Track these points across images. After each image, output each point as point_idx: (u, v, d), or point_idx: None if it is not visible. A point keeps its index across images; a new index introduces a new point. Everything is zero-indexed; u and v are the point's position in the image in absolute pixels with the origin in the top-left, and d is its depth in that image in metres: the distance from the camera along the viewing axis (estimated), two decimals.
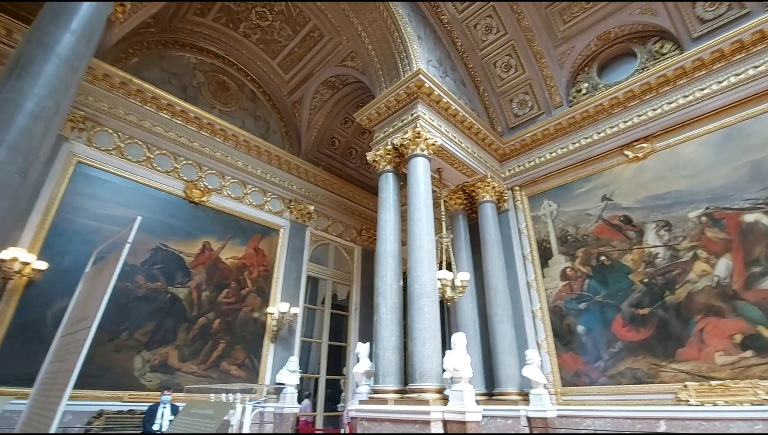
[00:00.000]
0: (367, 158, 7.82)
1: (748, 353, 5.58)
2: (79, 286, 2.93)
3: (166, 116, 8.34)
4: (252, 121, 10.33)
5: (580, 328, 7.23)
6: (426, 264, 6.20)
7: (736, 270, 5.95)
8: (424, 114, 7.39)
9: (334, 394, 10.62)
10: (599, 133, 7.97)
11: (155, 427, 5.66)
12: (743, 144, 6.36)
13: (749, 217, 6.03)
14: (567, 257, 7.81)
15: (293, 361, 8.20)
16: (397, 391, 5.70)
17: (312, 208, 10.39)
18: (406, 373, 5.92)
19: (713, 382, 5.73)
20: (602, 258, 7.35)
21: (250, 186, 9.51)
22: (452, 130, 8.06)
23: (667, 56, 7.63)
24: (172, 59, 9.18)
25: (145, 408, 6.04)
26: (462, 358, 5.30)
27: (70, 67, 3.72)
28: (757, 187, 6.06)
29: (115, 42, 7.84)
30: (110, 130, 7.66)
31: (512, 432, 6.57)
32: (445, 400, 5.26)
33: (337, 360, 10.57)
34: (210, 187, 8.74)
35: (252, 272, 8.85)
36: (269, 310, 8.75)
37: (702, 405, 5.69)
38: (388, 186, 7.30)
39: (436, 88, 7.45)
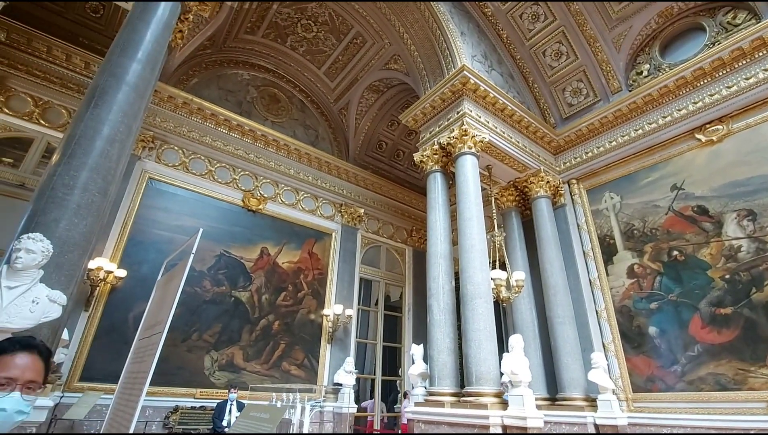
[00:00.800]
0: (414, 159, 7.81)
1: None
2: (153, 293, 3.20)
3: (224, 131, 8.89)
4: (302, 130, 10.71)
5: (652, 330, 6.68)
6: (478, 264, 6.06)
7: None
8: (471, 111, 7.23)
9: (391, 395, 10.69)
10: (665, 117, 7.33)
11: (224, 423, 6.04)
12: None
13: None
14: (634, 253, 7.25)
15: (350, 362, 8.38)
16: (453, 394, 5.62)
17: (362, 211, 10.56)
18: (462, 376, 5.82)
19: None
20: (675, 253, 6.74)
21: (303, 192, 9.86)
22: (501, 125, 7.82)
23: (741, 27, 6.86)
24: (227, 77, 9.77)
25: (215, 405, 6.47)
26: (520, 361, 5.11)
27: (138, 93, 4.09)
28: None
29: (176, 66, 8.51)
30: (176, 147, 8.31)
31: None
32: (504, 404, 5.10)
33: (393, 361, 10.63)
34: (265, 195, 9.19)
35: (307, 275, 9.17)
36: (325, 311, 9.01)
37: None
38: (436, 186, 7.24)
39: (481, 84, 7.27)
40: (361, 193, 10.86)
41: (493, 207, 7.69)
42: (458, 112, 7.23)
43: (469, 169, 6.79)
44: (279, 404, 4.55)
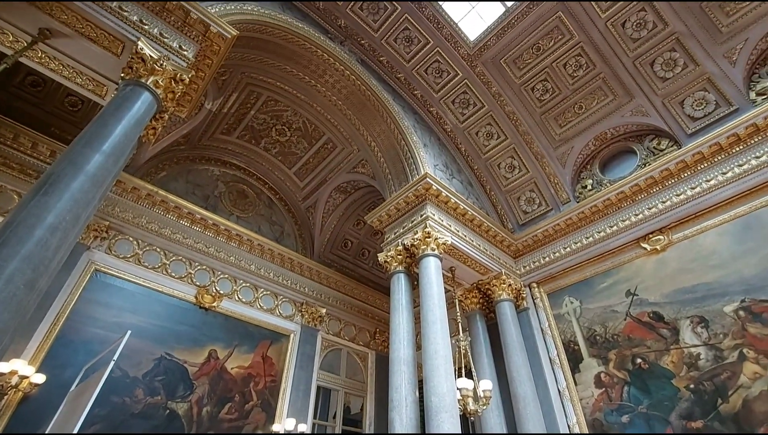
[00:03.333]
0: (379, 259, 7.80)
1: None
2: (61, 408, 2.70)
3: (185, 224, 8.70)
4: (267, 226, 10.68)
5: None
6: (443, 371, 5.70)
7: None
8: (433, 214, 7.53)
9: None
10: (611, 226, 7.90)
11: None
12: (764, 232, 6.15)
13: None
14: (599, 361, 7.13)
15: None
16: None
17: (324, 310, 10.11)
18: None
19: None
20: (638, 360, 6.68)
21: (262, 289, 9.43)
22: (462, 228, 8.12)
23: (665, 152, 7.88)
24: (197, 172, 9.92)
25: None
26: None
27: (95, 183, 3.97)
28: None
29: (147, 159, 8.61)
30: (131, 238, 7.96)
31: None
32: None
33: None
34: (222, 291, 8.69)
35: (258, 383, 8.28)
36: (275, 427, 7.95)
37: None
38: (400, 287, 7.13)
39: (443, 190, 7.70)
40: (323, 291, 10.52)
41: (457, 309, 7.55)
42: (422, 215, 7.49)
43: (432, 271, 6.80)
44: None
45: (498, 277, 8.40)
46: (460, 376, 6.22)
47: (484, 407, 6.22)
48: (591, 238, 8.11)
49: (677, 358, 6.27)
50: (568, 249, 8.36)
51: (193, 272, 8.49)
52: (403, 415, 5.66)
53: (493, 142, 9.46)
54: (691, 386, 5.99)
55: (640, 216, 7.56)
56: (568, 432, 6.91)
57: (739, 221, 6.49)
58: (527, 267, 8.93)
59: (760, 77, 7.08)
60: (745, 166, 6.61)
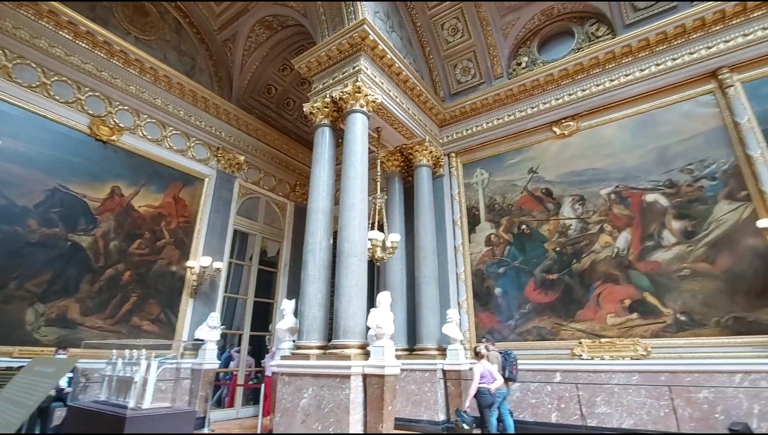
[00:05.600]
0: (304, 109, 7.40)
1: (634, 315, 6.38)
2: None
3: (67, 36, 7.11)
4: (176, 56, 9.22)
5: (498, 291, 7.75)
6: (357, 223, 6.13)
7: (633, 243, 6.66)
8: (367, 68, 7.07)
9: (261, 351, 10.51)
10: (533, 107, 8.25)
11: None
12: (654, 130, 6.96)
13: (650, 197, 6.71)
14: (492, 224, 8.21)
15: (214, 317, 7.89)
16: (320, 347, 5.73)
17: (242, 158, 9.73)
18: (331, 330, 5.95)
19: (603, 340, 6.51)
20: (523, 227, 7.83)
21: (171, 128, 8.60)
22: (394, 89, 7.85)
23: (601, 39, 7.98)
24: None
25: None
26: (385, 315, 5.41)
27: None
28: (660, 170, 6.71)
29: None
30: None
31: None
32: (367, 355, 5.39)
33: (265, 317, 10.38)
34: (122, 125, 7.75)
35: (170, 223, 8.18)
36: (189, 263, 8.23)
37: (592, 359, 6.47)
38: (324, 140, 7.01)
39: (380, 42, 7.12)
40: (243, 138, 9.96)
41: (379, 170, 7.80)
42: (354, 68, 7.00)
43: (359, 128, 6.70)
44: (120, 362, 4.02)
45: (421, 143, 8.63)
46: (372, 229, 6.78)
47: (390, 256, 7.03)
48: (512, 117, 8.47)
49: (553, 227, 7.47)
50: (490, 124, 8.71)
51: (83, 98, 7.30)
52: (316, 256, 6.17)
53: None
54: (557, 249, 7.32)
55: (560, 101, 7.95)
56: (456, 280, 8.25)
57: (639, 118, 7.19)
58: (450, 137, 9.24)
59: None
60: (661, 66, 7.04)
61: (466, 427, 5.58)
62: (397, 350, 5.97)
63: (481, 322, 7.79)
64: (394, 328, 5.59)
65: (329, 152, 6.94)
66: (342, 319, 5.64)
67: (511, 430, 5.90)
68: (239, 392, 8.94)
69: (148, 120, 8.23)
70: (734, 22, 6.52)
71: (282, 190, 10.97)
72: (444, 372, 7.12)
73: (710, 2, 6.62)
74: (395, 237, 6.98)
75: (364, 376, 5.16)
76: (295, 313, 6.71)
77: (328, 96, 7.08)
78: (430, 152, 8.74)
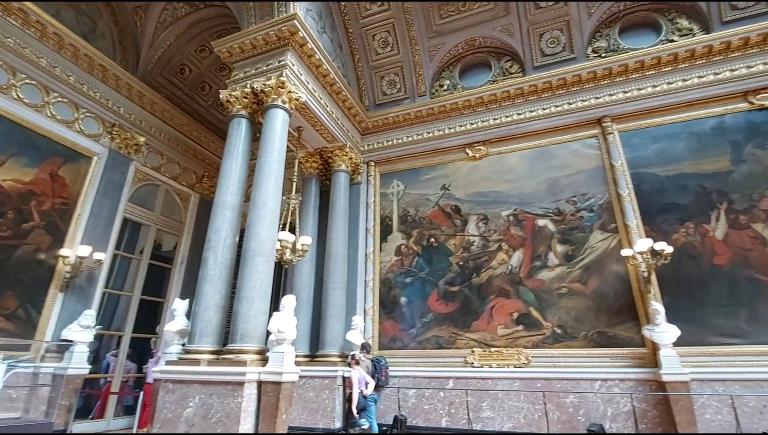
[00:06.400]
0: (221, 97, 6.92)
1: (520, 327, 7.03)
2: None
3: None
4: (73, 14, 8.01)
5: (403, 300, 7.98)
6: (268, 222, 5.86)
7: (525, 262, 7.37)
8: (293, 65, 6.88)
9: (145, 356, 9.42)
10: (450, 128, 8.76)
11: None
12: (549, 163, 7.83)
13: (541, 222, 7.51)
14: (404, 235, 8.47)
15: (89, 315, 6.89)
16: (213, 352, 5.31)
17: (143, 139, 8.74)
18: (228, 334, 5.56)
19: (492, 349, 7.05)
20: (432, 240, 8.21)
21: (56, 94, 7.41)
22: (319, 90, 7.75)
23: (513, 75, 8.79)
24: None
25: None
26: (288, 319, 5.22)
27: None
28: (551, 198, 7.56)
29: None
30: None
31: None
32: (266, 361, 5.13)
33: (153, 317, 9.36)
34: None
35: (43, 203, 7.00)
36: (63, 252, 7.09)
37: (482, 367, 6.97)
38: (239, 132, 6.61)
39: (309, 41, 6.98)
40: (145, 118, 8.97)
41: (296, 170, 7.59)
42: (280, 62, 6.76)
43: (278, 124, 6.45)
44: None
45: (342, 148, 8.61)
46: (284, 230, 6.54)
47: (300, 258, 6.84)
48: (431, 134, 8.90)
49: (458, 242, 7.96)
50: (410, 139, 9.03)
51: None
52: (218, 254, 5.75)
53: (376, 8, 8.80)
54: (461, 263, 7.80)
55: (475, 125, 8.56)
56: (364, 287, 8.32)
57: (537, 150, 8.04)
58: (371, 146, 9.37)
59: (602, 36, 8.21)
60: (559, 108, 7.98)
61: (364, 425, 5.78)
62: (298, 356, 5.81)
63: (385, 329, 7.94)
64: (297, 334, 5.41)
65: (244, 145, 6.56)
66: (241, 323, 5.30)
67: (375, 431, 6.17)
68: (112, 401, 7.88)
69: (27, 81, 7.01)
70: (618, 79, 7.65)
71: (187, 179, 10.10)
72: (344, 378, 7.08)
73: (603, 59, 7.72)
74: (306, 240, 6.82)
75: (260, 383, 4.89)
76: (188, 315, 6.15)
77: (248, 86, 6.71)
78: (350, 158, 8.77)
